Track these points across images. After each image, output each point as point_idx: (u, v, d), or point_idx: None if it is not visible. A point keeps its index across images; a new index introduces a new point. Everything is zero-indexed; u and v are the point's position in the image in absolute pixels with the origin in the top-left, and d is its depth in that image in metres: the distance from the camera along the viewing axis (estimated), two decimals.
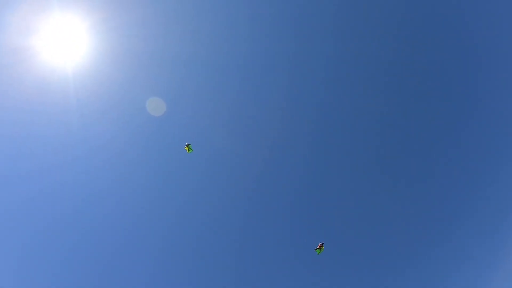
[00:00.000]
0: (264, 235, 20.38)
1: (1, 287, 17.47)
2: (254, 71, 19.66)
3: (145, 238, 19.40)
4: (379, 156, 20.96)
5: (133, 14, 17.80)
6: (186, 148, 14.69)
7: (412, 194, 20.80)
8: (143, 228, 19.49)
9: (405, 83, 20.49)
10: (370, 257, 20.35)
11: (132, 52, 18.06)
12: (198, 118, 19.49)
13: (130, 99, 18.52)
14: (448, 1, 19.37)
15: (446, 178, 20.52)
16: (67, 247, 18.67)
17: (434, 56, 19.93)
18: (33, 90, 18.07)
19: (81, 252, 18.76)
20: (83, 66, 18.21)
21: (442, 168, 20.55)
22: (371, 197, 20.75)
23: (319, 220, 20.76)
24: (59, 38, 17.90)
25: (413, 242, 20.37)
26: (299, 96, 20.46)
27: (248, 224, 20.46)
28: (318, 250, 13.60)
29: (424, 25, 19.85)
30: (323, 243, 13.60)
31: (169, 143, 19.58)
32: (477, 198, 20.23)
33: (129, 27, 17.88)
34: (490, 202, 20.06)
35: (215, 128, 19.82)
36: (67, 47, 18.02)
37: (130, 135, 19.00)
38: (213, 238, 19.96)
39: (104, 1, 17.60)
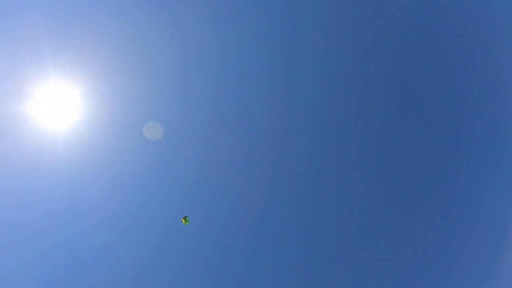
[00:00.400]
0: (264, 235, 20.41)
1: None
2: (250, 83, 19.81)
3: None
4: (378, 156, 20.93)
5: (126, 81, 18.27)
6: (183, 220, 14.55)
7: (412, 194, 20.73)
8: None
9: (405, 83, 20.61)
10: (369, 257, 20.29)
11: (124, 118, 18.36)
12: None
13: (122, 164, 18.61)
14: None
15: (446, 178, 20.50)
16: None
17: (434, 56, 20.12)
18: (26, 156, 18.24)
19: None
20: (75, 131, 18.38)
21: (441, 168, 20.49)
22: (370, 197, 20.81)
23: (318, 220, 20.77)
24: (52, 103, 18.14)
25: (413, 242, 20.34)
26: (298, 97, 20.58)
27: (247, 224, 20.39)
28: (184, 221, 14.25)
29: (424, 25, 19.93)
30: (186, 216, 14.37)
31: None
32: (477, 198, 20.17)
33: (122, 94, 18.27)
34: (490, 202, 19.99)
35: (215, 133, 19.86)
36: (59, 112, 18.25)
37: (122, 199, 18.94)
38: (213, 239, 19.99)
39: (97, 68, 18.00)
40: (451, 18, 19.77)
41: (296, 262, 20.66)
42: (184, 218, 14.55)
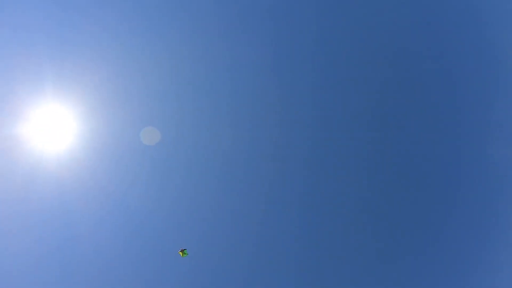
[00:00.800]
0: (264, 235, 20.23)
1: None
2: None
3: None
4: (376, 155, 20.81)
5: (123, 102, 18.12)
6: (181, 253, 14.30)
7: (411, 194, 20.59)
8: None
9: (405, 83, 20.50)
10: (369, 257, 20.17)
11: (119, 138, 18.18)
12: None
13: (118, 185, 18.42)
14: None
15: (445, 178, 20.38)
16: None
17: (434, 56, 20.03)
18: (22, 178, 18.06)
19: None
20: (71, 153, 18.22)
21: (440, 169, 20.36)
22: (369, 197, 20.70)
23: (317, 220, 20.61)
24: (48, 125, 18.01)
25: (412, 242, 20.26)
26: (297, 97, 20.52)
27: (246, 224, 20.30)
28: (181, 254, 14.08)
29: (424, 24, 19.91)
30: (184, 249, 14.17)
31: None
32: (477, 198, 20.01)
33: (118, 115, 18.08)
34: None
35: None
36: (55, 134, 18.11)
37: (118, 223, 18.75)
38: (212, 239, 19.77)
39: (94, 91, 17.85)
40: (451, 18, 19.81)
41: (296, 261, 20.58)
42: (182, 251, 14.31)
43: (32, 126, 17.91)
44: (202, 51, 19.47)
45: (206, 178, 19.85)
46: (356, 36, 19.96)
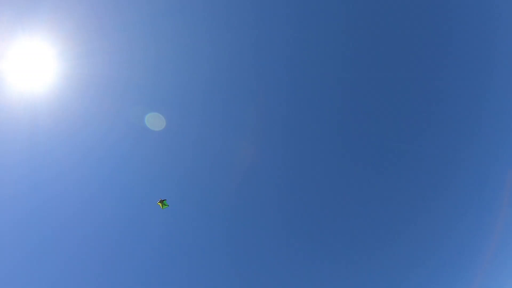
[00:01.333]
0: (262, 235, 20.49)
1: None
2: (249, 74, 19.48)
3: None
4: (374, 155, 20.85)
5: (106, 40, 17.69)
6: (160, 204, 13.60)
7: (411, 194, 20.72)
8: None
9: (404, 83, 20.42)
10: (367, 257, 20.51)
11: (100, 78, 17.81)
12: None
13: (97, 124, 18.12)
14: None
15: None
16: None
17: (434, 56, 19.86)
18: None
19: None
20: (51, 92, 17.81)
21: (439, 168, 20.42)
22: (367, 196, 20.87)
23: (316, 220, 20.84)
24: (27, 63, 17.53)
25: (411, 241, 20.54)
26: (295, 97, 20.42)
27: (244, 224, 20.57)
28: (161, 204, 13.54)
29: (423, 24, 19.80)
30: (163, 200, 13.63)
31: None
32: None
33: (102, 53, 17.67)
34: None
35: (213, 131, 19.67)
36: (34, 72, 17.64)
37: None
38: (210, 239, 20.03)
39: (76, 27, 17.39)
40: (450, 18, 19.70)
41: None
42: (161, 201, 13.59)
43: (11, 62, 17.45)
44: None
45: None
46: (357, 36, 19.70)
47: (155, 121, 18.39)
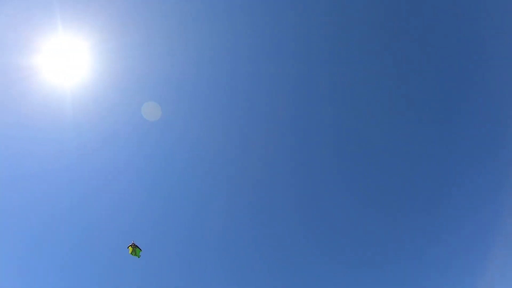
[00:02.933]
0: (262, 234, 20.81)
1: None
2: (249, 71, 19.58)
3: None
4: (374, 155, 21.06)
5: (132, 35, 18.37)
6: (130, 248, 12.01)
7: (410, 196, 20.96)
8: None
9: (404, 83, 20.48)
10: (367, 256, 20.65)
11: (130, 72, 18.59)
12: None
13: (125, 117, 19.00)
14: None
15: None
16: None
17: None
18: (33, 108, 18.66)
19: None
20: (82, 85, 18.67)
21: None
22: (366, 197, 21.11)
23: (314, 219, 21.16)
24: (60, 57, 18.31)
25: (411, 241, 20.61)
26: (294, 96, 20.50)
27: (243, 224, 20.78)
28: (132, 250, 11.82)
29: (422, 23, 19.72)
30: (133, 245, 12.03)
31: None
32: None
33: (129, 48, 18.41)
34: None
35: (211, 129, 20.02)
36: (67, 66, 18.43)
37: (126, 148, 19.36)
38: (209, 238, 20.29)
39: (106, 23, 18.03)
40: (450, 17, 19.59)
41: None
42: (133, 247, 11.79)
43: (45, 56, 18.25)
44: None
45: None
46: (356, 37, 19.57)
47: (152, 111, 18.87)
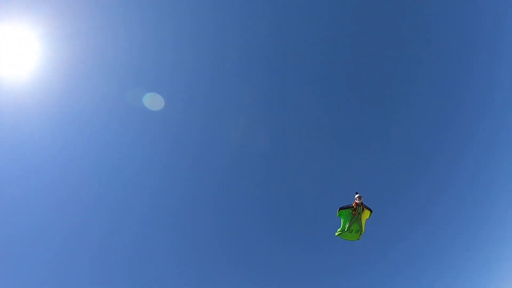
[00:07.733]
0: (261, 234, 21.15)
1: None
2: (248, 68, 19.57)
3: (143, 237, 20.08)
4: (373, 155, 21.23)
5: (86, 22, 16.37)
6: None
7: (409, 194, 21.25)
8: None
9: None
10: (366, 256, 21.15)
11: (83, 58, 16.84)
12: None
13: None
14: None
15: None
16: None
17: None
18: None
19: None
20: (34, 75, 17.16)
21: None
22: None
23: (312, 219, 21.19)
24: (8, 47, 16.74)
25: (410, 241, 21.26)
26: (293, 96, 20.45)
27: (242, 224, 21.10)
28: None
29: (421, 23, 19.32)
30: None
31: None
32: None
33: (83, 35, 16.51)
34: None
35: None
36: (17, 56, 16.94)
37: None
38: (208, 237, 20.67)
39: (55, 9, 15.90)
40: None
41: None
42: None
43: None
44: None
45: None
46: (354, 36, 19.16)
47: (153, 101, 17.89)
